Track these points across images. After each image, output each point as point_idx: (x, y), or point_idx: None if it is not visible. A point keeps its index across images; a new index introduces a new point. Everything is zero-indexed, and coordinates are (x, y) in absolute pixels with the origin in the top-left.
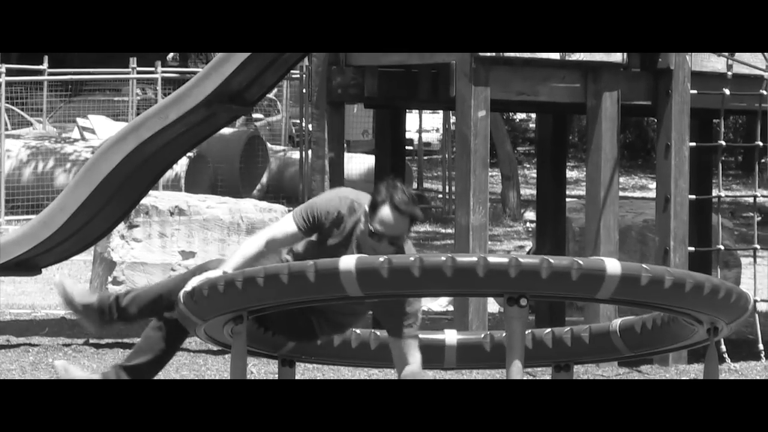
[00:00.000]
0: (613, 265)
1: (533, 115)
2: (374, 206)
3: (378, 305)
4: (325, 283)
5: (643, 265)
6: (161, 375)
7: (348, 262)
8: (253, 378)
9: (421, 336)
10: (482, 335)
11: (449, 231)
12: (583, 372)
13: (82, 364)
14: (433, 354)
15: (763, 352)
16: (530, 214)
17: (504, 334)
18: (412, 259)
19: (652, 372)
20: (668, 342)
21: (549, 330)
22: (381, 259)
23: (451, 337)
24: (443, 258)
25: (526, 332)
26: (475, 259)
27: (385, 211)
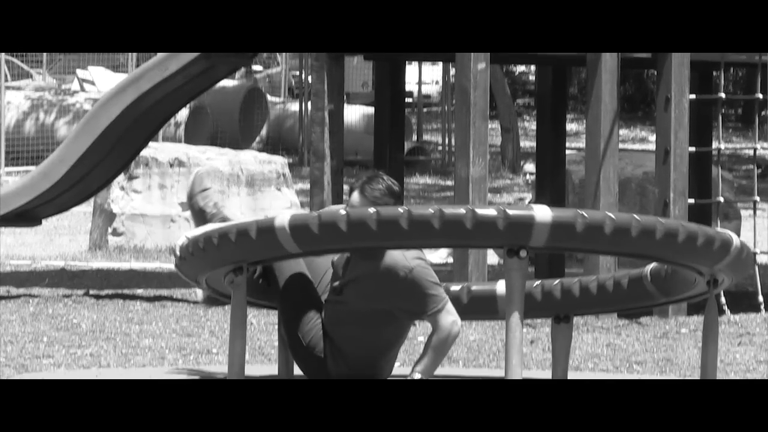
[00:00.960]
0: (606, 216)
1: (533, 68)
2: (350, 191)
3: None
4: (325, 233)
5: (634, 215)
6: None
7: (283, 217)
8: (251, 328)
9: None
10: (484, 287)
11: (449, 183)
12: (582, 323)
13: (82, 315)
14: (486, 304)
15: (763, 305)
16: (530, 167)
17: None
18: (401, 210)
19: (651, 323)
20: (669, 294)
21: (557, 281)
22: (371, 210)
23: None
24: (431, 210)
25: (534, 284)
26: (463, 211)
27: (354, 196)
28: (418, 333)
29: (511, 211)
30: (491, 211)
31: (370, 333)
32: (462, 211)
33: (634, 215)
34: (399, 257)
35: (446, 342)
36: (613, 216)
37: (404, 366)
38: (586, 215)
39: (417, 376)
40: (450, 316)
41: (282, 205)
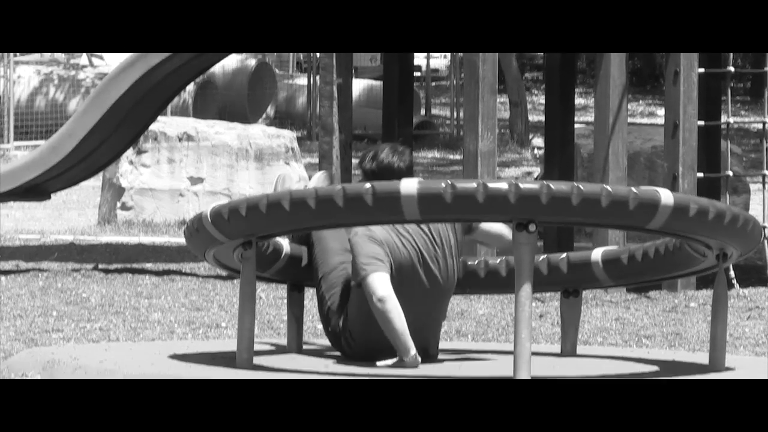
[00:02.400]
0: (663, 193)
1: None
2: None
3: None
4: (351, 207)
5: (692, 197)
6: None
7: (409, 185)
8: (260, 303)
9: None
10: (498, 260)
11: (457, 157)
12: (591, 297)
13: (91, 289)
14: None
15: None
16: (538, 141)
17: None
18: (443, 185)
19: (660, 297)
20: (678, 268)
21: (564, 255)
22: (366, 186)
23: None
24: (507, 185)
25: (541, 258)
26: (474, 185)
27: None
28: None
29: (522, 185)
30: (502, 185)
31: (357, 304)
32: (473, 185)
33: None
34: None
35: (376, 317)
36: (635, 191)
37: None
38: (609, 188)
39: (403, 361)
40: (368, 291)
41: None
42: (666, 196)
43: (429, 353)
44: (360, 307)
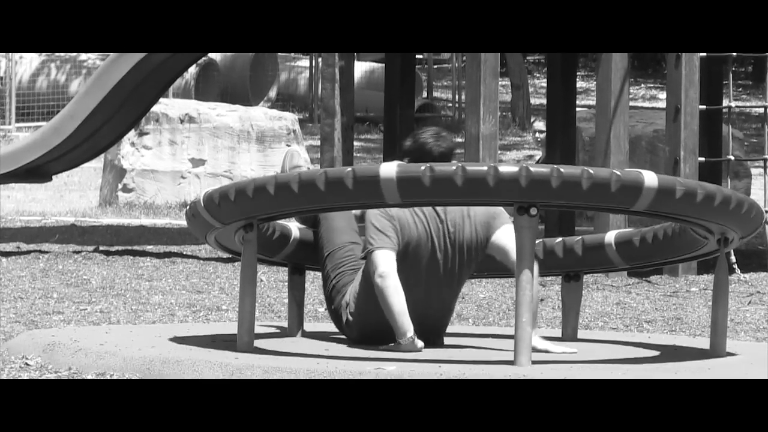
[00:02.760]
0: (645, 176)
1: None
2: None
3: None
4: (332, 191)
5: (678, 179)
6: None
7: (363, 170)
8: (261, 285)
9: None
10: None
11: (459, 140)
12: (592, 282)
13: (92, 271)
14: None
15: None
16: (540, 124)
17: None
18: (422, 168)
19: (661, 282)
20: (678, 252)
21: (560, 239)
22: (422, 167)
23: None
24: (486, 167)
25: (537, 241)
26: (485, 168)
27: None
28: None
29: (563, 170)
30: (511, 168)
31: (363, 283)
32: (484, 168)
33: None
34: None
35: (376, 293)
36: (618, 173)
37: None
38: (591, 171)
39: (400, 344)
40: (370, 266)
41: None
42: (650, 178)
43: (431, 341)
44: (364, 287)
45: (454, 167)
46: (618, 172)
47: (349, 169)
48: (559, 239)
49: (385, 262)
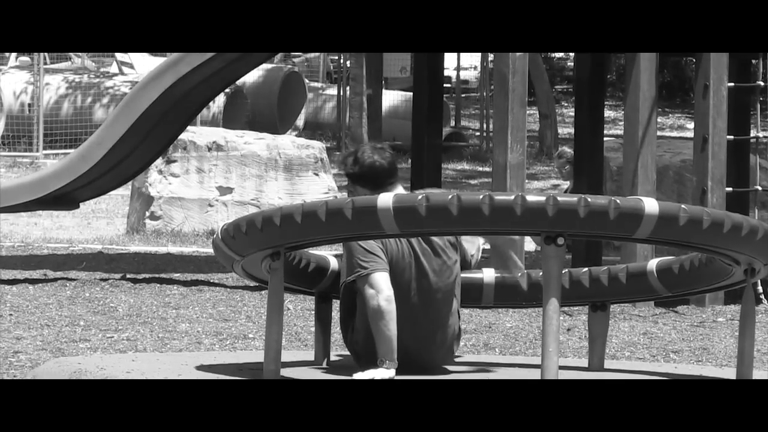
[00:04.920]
0: (651, 205)
1: (571, 54)
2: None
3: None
4: (362, 220)
5: (682, 205)
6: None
7: (385, 199)
8: (288, 314)
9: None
10: (519, 274)
11: (486, 169)
12: (619, 312)
13: (119, 299)
14: (471, 292)
15: None
16: (566, 148)
17: (541, 273)
18: (449, 197)
19: (688, 312)
20: (705, 283)
21: (586, 269)
22: (419, 196)
23: (489, 275)
24: (480, 196)
25: (563, 271)
26: (512, 197)
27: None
28: None
29: (561, 198)
30: (539, 198)
31: (362, 309)
32: (447, 197)
33: (682, 205)
34: None
35: (371, 319)
36: (617, 201)
37: None
38: (619, 201)
39: (385, 363)
40: (370, 289)
41: (319, 190)
42: (650, 205)
43: (439, 359)
44: (363, 311)
45: (450, 196)
46: (617, 200)
47: (349, 200)
48: (586, 269)
49: (388, 286)
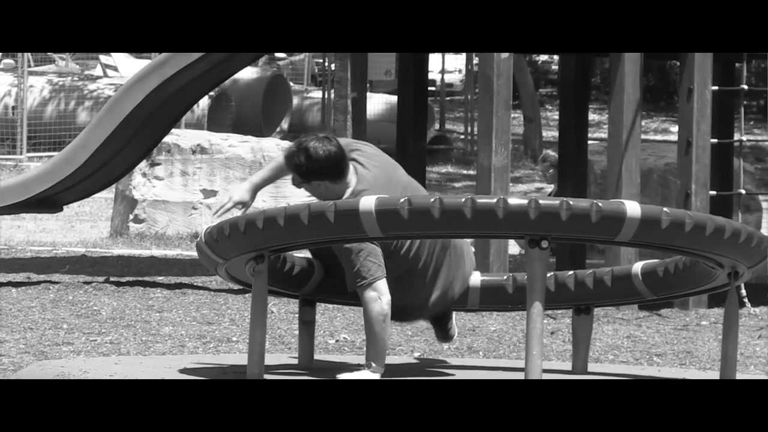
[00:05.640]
0: (633, 208)
1: (556, 57)
2: None
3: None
4: (344, 223)
5: (664, 209)
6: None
7: (368, 202)
8: (272, 317)
9: None
10: (505, 277)
11: (471, 172)
12: (603, 315)
13: (102, 302)
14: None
15: None
16: (550, 152)
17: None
18: (432, 200)
19: (671, 315)
20: (689, 286)
21: (571, 272)
22: (401, 200)
23: (474, 278)
24: (463, 199)
25: (548, 274)
26: (494, 200)
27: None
28: None
29: (543, 201)
30: (521, 201)
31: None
32: (494, 200)
33: (664, 208)
34: None
35: (370, 322)
36: (668, 211)
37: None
38: (601, 204)
39: (372, 366)
40: (372, 292)
41: (304, 193)
42: (632, 208)
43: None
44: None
45: (432, 199)
46: (599, 203)
47: (331, 203)
48: (571, 272)
49: (388, 290)
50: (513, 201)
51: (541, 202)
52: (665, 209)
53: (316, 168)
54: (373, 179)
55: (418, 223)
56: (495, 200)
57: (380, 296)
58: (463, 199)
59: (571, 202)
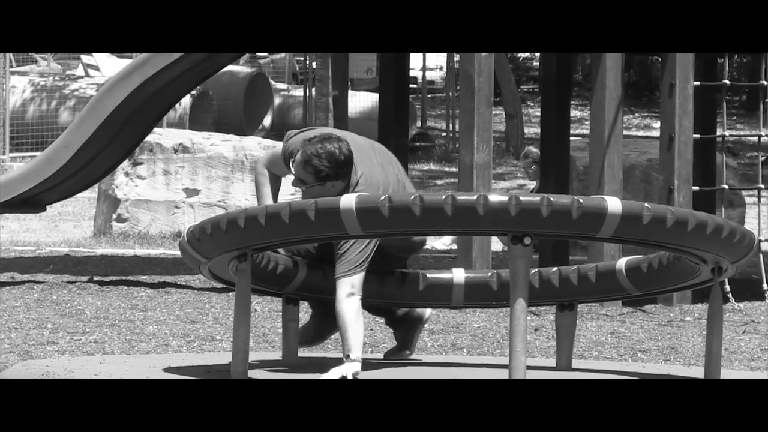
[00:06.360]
0: (614, 204)
1: (537, 54)
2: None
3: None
4: (325, 221)
5: (645, 204)
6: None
7: (348, 200)
8: (256, 315)
9: (428, 275)
10: (489, 274)
11: (453, 170)
12: (586, 311)
13: (86, 301)
14: (440, 292)
15: (767, 292)
16: (531, 148)
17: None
18: (412, 197)
19: (655, 311)
20: (673, 281)
21: (555, 268)
22: (381, 197)
23: (458, 275)
24: (443, 197)
25: (532, 271)
26: (474, 197)
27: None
28: None
29: (523, 198)
30: (502, 198)
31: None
32: (474, 197)
33: (645, 204)
34: None
35: (340, 314)
36: (649, 206)
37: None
38: (582, 200)
39: (350, 357)
40: (352, 288)
41: (285, 191)
42: (613, 204)
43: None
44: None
45: (412, 197)
46: (580, 199)
47: (312, 201)
48: (555, 269)
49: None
50: (493, 198)
51: (521, 198)
52: (646, 205)
53: (338, 171)
54: (369, 171)
55: (399, 220)
56: (475, 197)
57: (354, 292)
58: (443, 197)
59: (551, 199)
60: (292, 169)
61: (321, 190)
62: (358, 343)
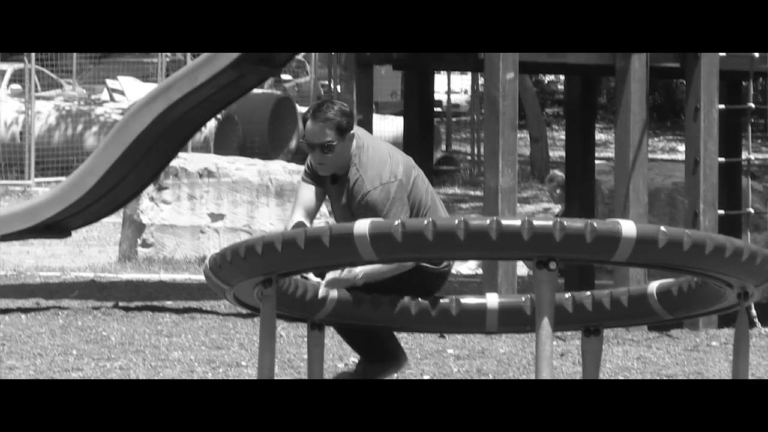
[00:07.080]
0: (628, 227)
1: (562, 77)
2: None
3: None
4: (340, 247)
5: (661, 227)
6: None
7: (362, 226)
8: (281, 341)
9: (461, 300)
10: (523, 299)
11: (478, 193)
12: (612, 336)
13: (111, 327)
14: (474, 318)
15: None
16: (557, 171)
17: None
18: (425, 222)
19: (681, 336)
20: (702, 305)
21: (588, 293)
22: (395, 222)
23: (492, 300)
24: (456, 221)
25: (566, 296)
26: (487, 222)
27: (308, 125)
28: (447, 346)
29: (536, 222)
30: (514, 222)
31: None
32: (487, 222)
33: (661, 227)
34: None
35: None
36: (665, 230)
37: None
38: (596, 224)
39: (357, 271)
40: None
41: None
42: (628, 228)
43: None
44: None
45: (456, 221)
46: (594, 223)
47: (326, 227)
48: (588, 293)
49: None
50: (506, 222)
51: (534, 222)
52: (662, 228)
53: (350, 120)
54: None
55: (413, 245)
56: (488, 222)
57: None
58: (456, 221)
59: (564, 223)
60: (312, 140)
61: (340, 147)
62: (372, 274)
